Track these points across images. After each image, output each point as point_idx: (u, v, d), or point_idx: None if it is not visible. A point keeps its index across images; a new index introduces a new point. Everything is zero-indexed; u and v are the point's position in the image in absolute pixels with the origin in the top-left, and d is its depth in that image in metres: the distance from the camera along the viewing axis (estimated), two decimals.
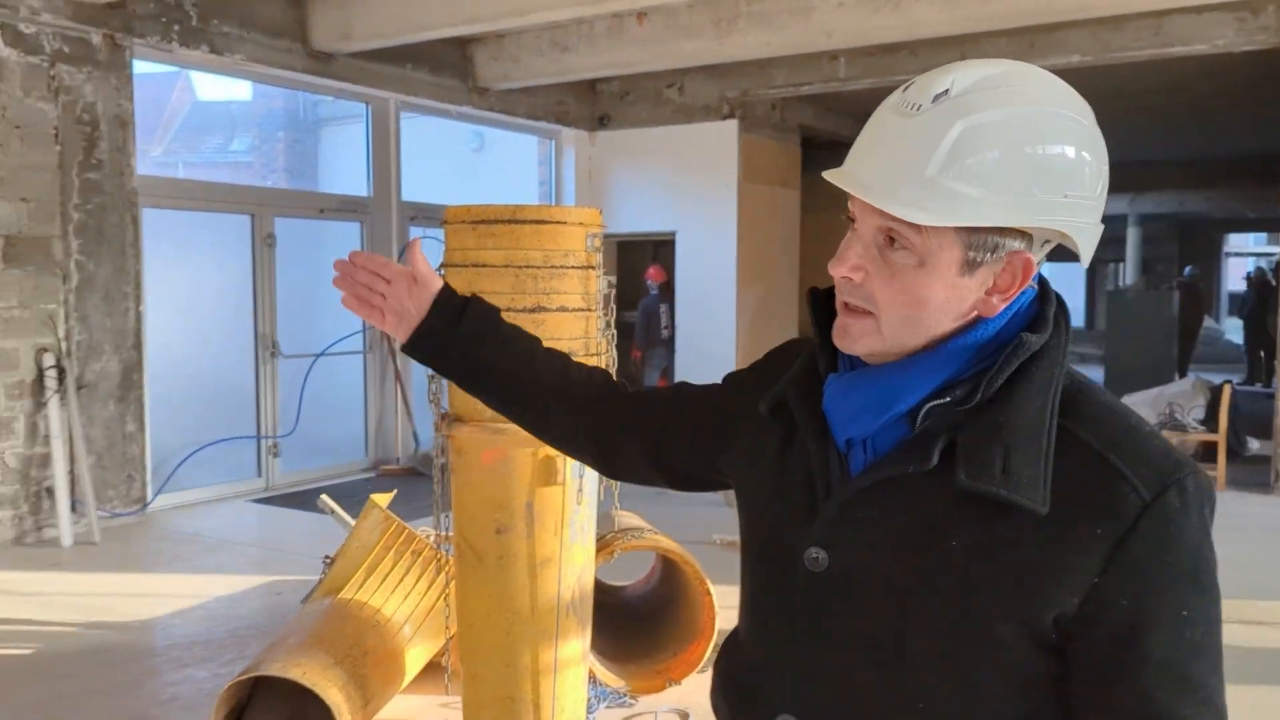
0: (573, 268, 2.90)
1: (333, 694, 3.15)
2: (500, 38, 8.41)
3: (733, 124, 9.45)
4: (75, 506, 6.14)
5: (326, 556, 4.11)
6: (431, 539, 3.87)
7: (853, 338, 1.09)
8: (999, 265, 1.04)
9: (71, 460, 6.15)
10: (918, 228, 1.02)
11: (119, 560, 5.76)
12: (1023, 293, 1.08)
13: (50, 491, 6.09)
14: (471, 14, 6.88)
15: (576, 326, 2.92)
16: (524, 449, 2.87)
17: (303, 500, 7.03)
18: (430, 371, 2.12)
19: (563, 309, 2.88)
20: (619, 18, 7.67)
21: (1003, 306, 1.06)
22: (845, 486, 1.10)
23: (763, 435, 1.22)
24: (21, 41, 5.95)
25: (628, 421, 1.41)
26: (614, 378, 1.49)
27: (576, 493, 2.97)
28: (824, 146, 11.22)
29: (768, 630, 1.19)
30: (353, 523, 4.10)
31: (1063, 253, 1.15)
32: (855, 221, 1.08)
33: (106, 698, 3.86)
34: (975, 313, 1.06)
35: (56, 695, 3.88)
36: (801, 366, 1.20)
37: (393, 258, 8.62)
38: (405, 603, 3.67)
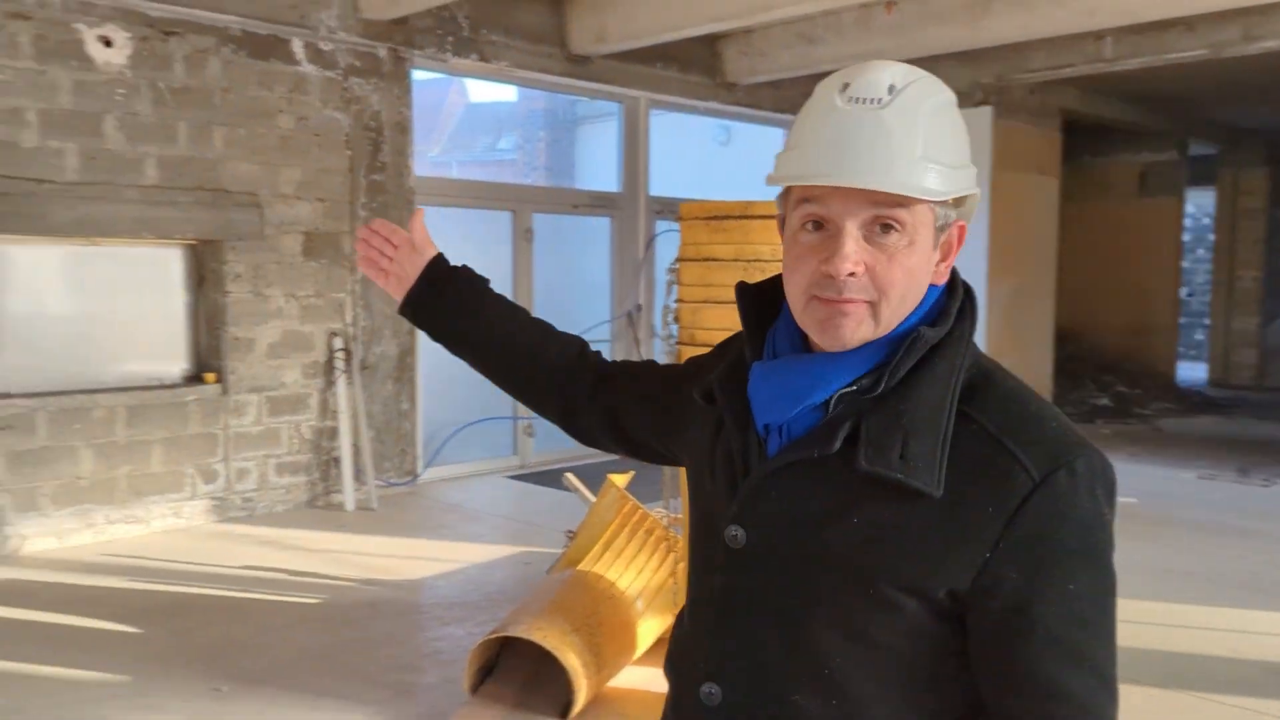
0: None
1: (570, 658, 3.40)
2: (748, 33, 8.52)
3: (986, 111, 9.09)
4: (357, 475, 6.85)
5: (569, 531, 4.39)
6: (665, 520, 4.05)
7: (849, 329, 1.11)
8: (947, 234, 1.15)
9: (355, 434, 6.87)
10: (907, 209, 1.09)
11: (392, 525, 6.38)
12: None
13: (337, 461, 6.83)
14: (720, 12, 7.03)
15: None
16: None
17: (552, 478, 7.47)
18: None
19: None
20: (866, 7, 7.57)
21: (948, 272, 1.17)
22: (759, 468, 1.17)
23: (703, 420, 1.29)
24: (320, 58, 6.68)
25: (594, 389, 1.51)
26: (589, 347, 1.58)
27: None
28: (1090, 131, 10.55)
29: (697, 605, 1.26)
30: (593, 500, 4.36)
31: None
32: (825, 222, 1.11)
33: (379, 647, 4.32)
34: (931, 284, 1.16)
35: (338, 641, 4.39)
36: (734, 355, 1.27)
37: (639, 252, 8.94)
38: (638, 578, 3.87)
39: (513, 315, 1.56)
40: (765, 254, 2.92)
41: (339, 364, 6.81)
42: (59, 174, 5.66)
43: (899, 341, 1.12)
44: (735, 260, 2.95)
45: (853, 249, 1.09)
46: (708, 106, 9.14)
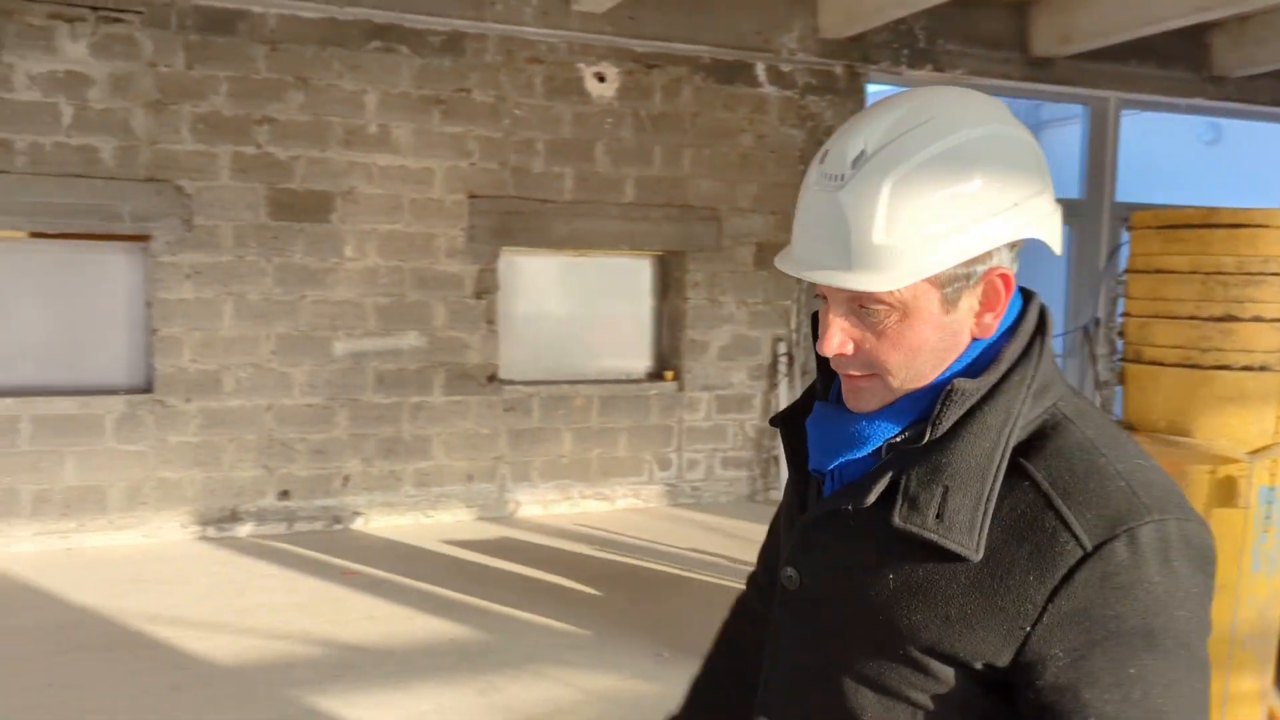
0: (1272, 275, 2.70)
1: None
2: (1242, 20, 7.60)
3: None
4: None
5: None
6: None
7: (864, 401, 1.09)
8: (979, 288, 1.04)
9: None
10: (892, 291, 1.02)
11: None
12: (1011, 303, 1.06)
13: (776, 460, 7.20)
14: (1207, 0, 6.37)
15: (1272, 338, 2.71)
16: (1201, 466, 2.75)
17: None
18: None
19: (1257, 319, 2.70)
20: None
21: (997, 322, 1.06)
22: (810, 511, 1.14)
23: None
24: (780, 79, 7.09)
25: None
26: (743, 619, 1.48)
27: (1263, 519, 2.76)
28: None
29: (768, 637, 1.23)
30: None
31: None
32: (826, 297, 1.07)
33: None
34: (973, 338, 1.06)
35: None
36: (804, 392, 1.23)
37: (1099, 262, 8.31)
38: None
39: (716, 685, 1.47)
40: (1228, 266, 2.68)
41: (781, 367, 7.18)
42: (559, 194, 6.60)
43: (940, 390, 1.05)
44: (1192, 273, 2.75)
45: (836, 331, 1.06)
46: (1191, 104, 8.27)
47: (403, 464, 6.43)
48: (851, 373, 1.08)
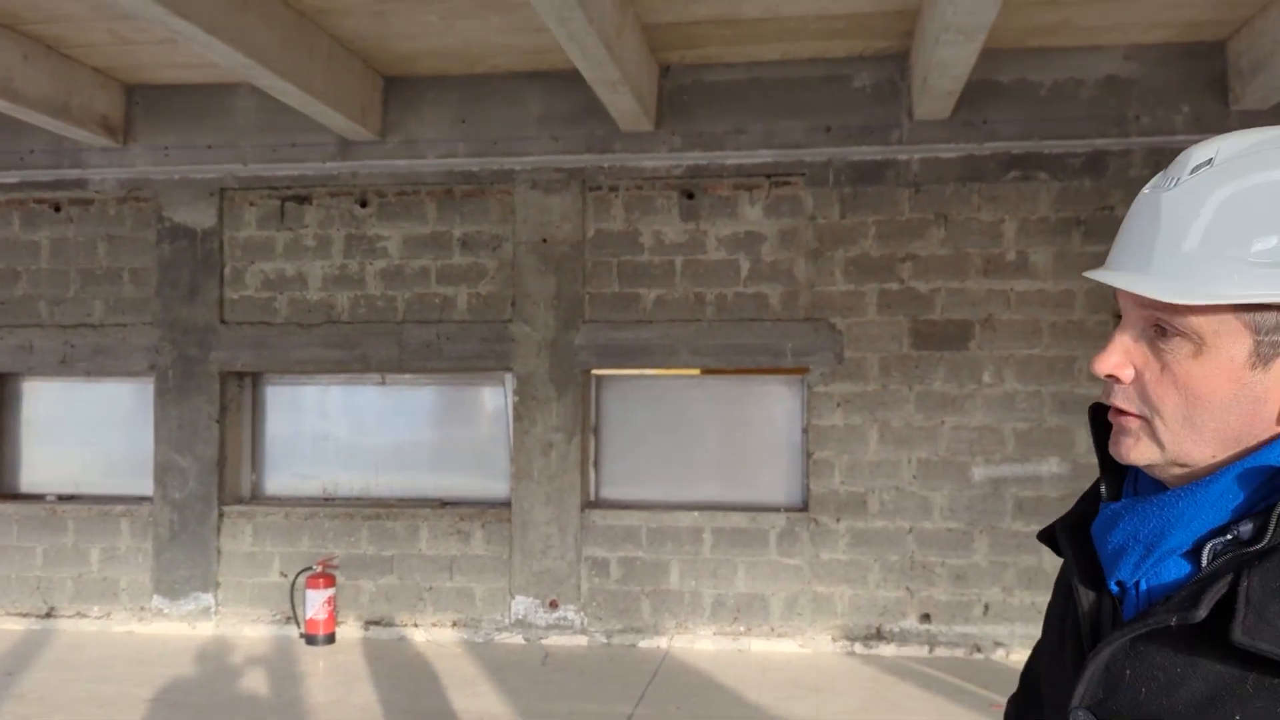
0: None
1: None
2: None
3: None
4: None
5: None
6: None
7: (1126, 446, 0.94)
8: None
9: None
10: (1190, 311, 0.87)
11: None
12: None
13: None
14: None
15: None
16: None
17: None
18: None
19: None
20: None
21: None
22: (1109, 638, 0.91)
23: (1060, 586, 1.07)
24: None
25: None
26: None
27: None
28: None
29: None
30: None
31: None
32: (1122, 318, 0.95)
33: None
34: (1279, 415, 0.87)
35: None
36: (1086, 494, 1.04)
37: None
38: None
39: None
40: None
41: None
42: None
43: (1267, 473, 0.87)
44: None
45: (1116, 347, 0.93)
46: None
47: (1044, 595, 6.19)
48: (1120, 404, 0.94)
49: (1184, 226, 0.87)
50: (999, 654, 6.21)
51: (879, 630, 6.34)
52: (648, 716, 5.20)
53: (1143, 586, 0.93)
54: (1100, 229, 6.18)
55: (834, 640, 6.38)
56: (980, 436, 6.31)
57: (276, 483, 7.28)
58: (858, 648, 6.34)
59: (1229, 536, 0.88)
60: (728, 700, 5.47)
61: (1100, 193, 6.20)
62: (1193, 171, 0.88)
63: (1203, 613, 0.84)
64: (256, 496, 7.26)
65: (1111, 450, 0.97)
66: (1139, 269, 0.89)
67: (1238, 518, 0.88)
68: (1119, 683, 0.90)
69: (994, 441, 6.30)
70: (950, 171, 6.32)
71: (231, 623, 6.86)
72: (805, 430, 6.57)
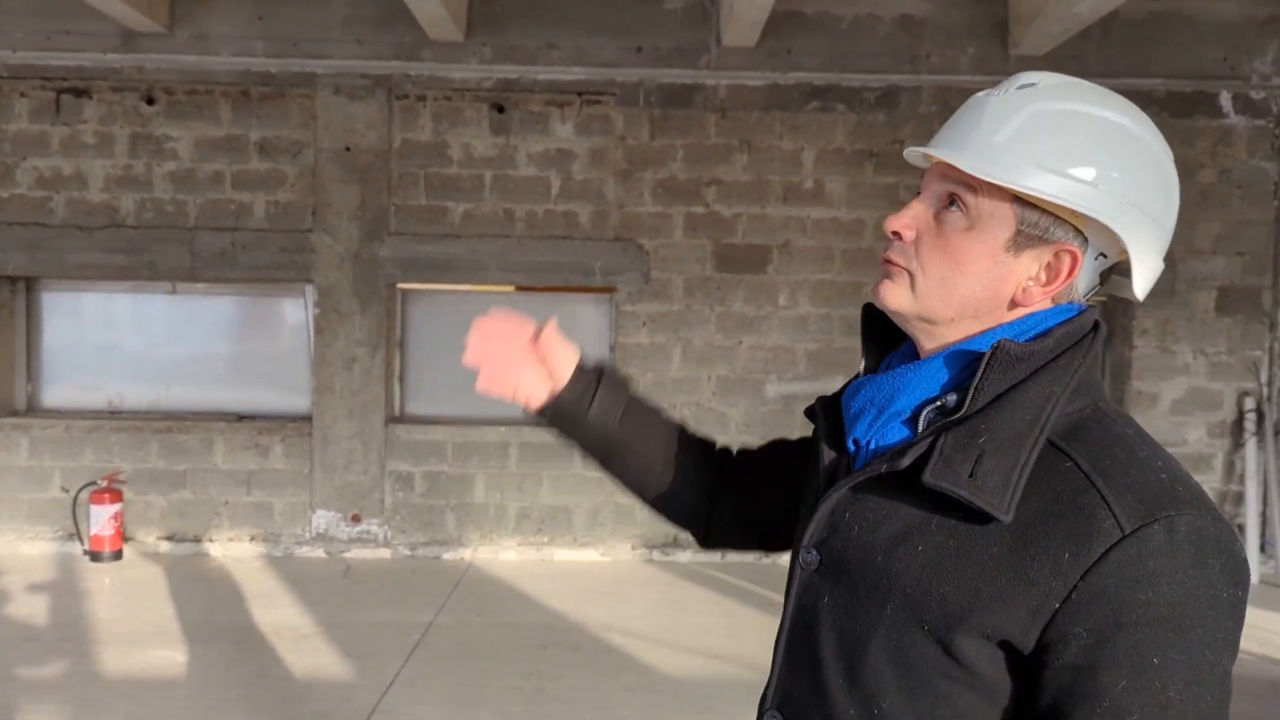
0: None
1: None
2: None
3: None
4: (1264, 547, 6.38)
5: None
6: None
7: (885, 289, 1.10)
8: (1047, 254, 1.04)
9: (1264, 501, 6.41)
10: (974, 191, 1.04)
11: None
12: (1056, 311, 1.05)
13: (1241, 528, 6.46)
14: None
15: None
16: None
17: None
18: None
19: None
20: None
21: (1041, 299, 1.05)
22: (835, 486, 1.10)
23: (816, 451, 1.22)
24: (1250, 107, 6.45)
25: (719, 486, 1.42)
26: (717, 445, 1.47)
27: None
28: None
29: (777, 633, 1.18)
30: None
31: None
32: (921, 192, 1.10)
33: None
34: (1012, 299, 1.05)
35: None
36: (847, 380, 1.21)
37: None
38: None
39: (654, 419, 1.44)
40: None
41: (1249, 425, 6.44)
42: None
43: (979, 355, 1.05)
44: None
45: (909, 211, 1.09)
46: None
47: None
48: (894, 257, 1.10)
49: (1001, 124, 1.03)
50: (787, 557, 6.63)
51: (675, 539, 6.64)
52: (448, 624, 5.31)
53: (872, 445, 1.10)
54: (891, 161, 6.53)
55: (634, 549, 6.64)
56: (775, 356, 6.63)
57: (56, 394, 6.86)
58: (655, 555, 6.63)
59: (938, 404, 1.06)
60: (528, 606, 5.64)
61: (892, 126, 6.53)
62: (1020, 88, 1.05)
63: (906, 462, 1.02)
64: (33, 408, 6.83)
65: (873, 294, 1.13)
66: (957, 149, 1.05)
67: (946, 391, 1.06)
68: (839, 523, 1.09)
69: (787, 361, 6.64)
70: (755, 99, 6.50)
71: (7, 540, 6.48)
72: (613, 348, 6.72)
